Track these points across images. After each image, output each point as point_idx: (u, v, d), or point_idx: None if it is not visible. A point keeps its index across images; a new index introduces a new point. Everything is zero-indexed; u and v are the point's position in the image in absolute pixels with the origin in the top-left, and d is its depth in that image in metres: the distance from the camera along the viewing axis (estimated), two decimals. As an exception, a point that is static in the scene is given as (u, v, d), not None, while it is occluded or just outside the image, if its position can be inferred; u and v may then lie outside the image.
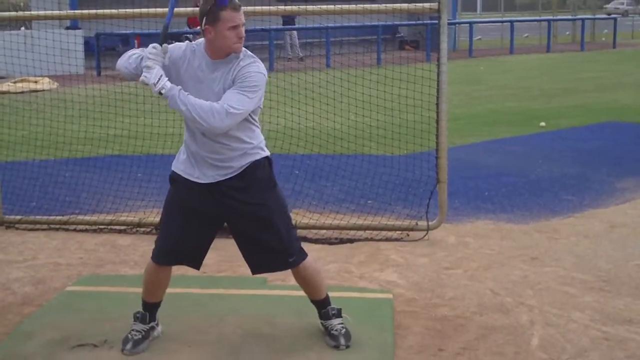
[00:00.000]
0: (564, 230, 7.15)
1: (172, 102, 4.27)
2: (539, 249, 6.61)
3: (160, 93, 4.24)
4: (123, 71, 4.47)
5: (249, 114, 4.39)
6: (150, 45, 4.32)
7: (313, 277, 4.78)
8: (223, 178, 4.47)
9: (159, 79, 4.24)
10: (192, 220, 4.53)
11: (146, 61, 4.27)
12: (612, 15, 40.33)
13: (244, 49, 4.40)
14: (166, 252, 4.61)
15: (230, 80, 4.32)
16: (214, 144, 4.41)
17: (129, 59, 4.45)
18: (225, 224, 4.68)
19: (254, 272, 4.77)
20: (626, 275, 5.95)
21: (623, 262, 6.26)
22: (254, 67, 4.34)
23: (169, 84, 4.26)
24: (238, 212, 4.53)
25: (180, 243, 4.58)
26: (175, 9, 7.44)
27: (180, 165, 4.57)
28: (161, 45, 4.31)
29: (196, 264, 4.73)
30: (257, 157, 4.51)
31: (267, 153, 4.58)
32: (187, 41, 4.57)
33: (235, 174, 4.47)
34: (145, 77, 4.24)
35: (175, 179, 4.60)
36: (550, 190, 8.70)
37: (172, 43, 4.44)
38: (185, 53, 4.44)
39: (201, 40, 4.47)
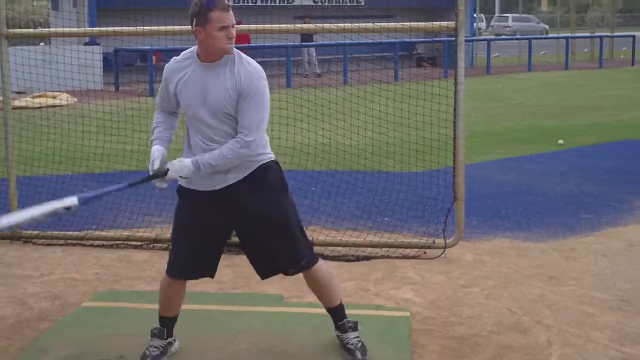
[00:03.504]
0: (582, 249, 7.09)
1: (202, 173, 4.39)
2: (557, 268, 6.56)
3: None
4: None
5: None
6: (156, 184, 4.46)
7: (325, 281, 4.76)
8: (232, 182, 4.49)
9: (179, 177, 4.41)
10: (203, 232, 4.55)
11: (165, 183, 4.46)
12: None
13: (236, 50, 4.44)
14: (179, 266, 4.63)
15: (234, 90, 4.34)
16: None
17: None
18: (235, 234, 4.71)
19: (264, 276, 4.76)
20: (645, 295, 5.90)
21: (642, 281, 6.21)
22: (253, 74, 4.38)
23: (188, 168, 4.37)
24: (250, 214, 4.53)
25: (193, 257, 4.60)
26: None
27: (186, 179, 4.57)
28: (150, 178, 4.45)
29: (210, 273, 4.74)
30: (265, 159, 4.55)
31: (273, 156, 4.62)
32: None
33: (244, 175, 4.49)
34: (179, 179, 4.45)
35: (182, 192, 4.63)
36: (568, 208, 8.65)
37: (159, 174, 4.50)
38: (175, 66, 4.53)
39: (192, 48, 4.52)
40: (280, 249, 4.61)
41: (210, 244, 4.61)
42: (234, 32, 4.36)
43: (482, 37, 37.28)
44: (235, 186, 4.50)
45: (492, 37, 39.85)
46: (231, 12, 4.35)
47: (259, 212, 4.53)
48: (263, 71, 4.45)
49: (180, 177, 4.42)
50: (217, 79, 4.38)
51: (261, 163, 4.53)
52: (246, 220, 4.57)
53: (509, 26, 55.26)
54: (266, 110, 4.43)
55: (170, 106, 4.63)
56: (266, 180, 4.54)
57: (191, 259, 4.61)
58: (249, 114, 4.34)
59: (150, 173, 4.45)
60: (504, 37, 45.64)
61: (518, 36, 40.67)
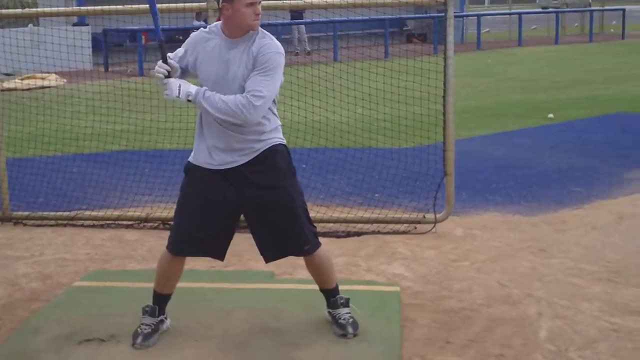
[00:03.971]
0: (572, 222, 7.12)
1: (198, 106, 4.36)
2: (547, 241, 6.59)
3: (188, 100, 4.33)
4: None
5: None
6: (157, 65, 4.39)
7: (325, 266, 4.79)
8: (241, 163, 4.47)
9: (179, 89, 4.33)
10: (209, 209, 4.52)
11: (161, 80, 4.36)
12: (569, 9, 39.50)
13: (260, 27, 4.43)
14: (183, 243, 4.61)
15: (250, 62, 4.34)
16: (228, 131, 4.42)
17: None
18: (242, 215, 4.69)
19: (267, 259, 4.75)
20: (635, 266, 5.93)
21: (632, 253, 6.24)
22: (272, 47, 4.38)
23: (192, 89, 4.33)
24: (257, 197, 4.51)
25: (197, 233, 4.58)
26: (182, 4, 7.46)
27: (196, 155, 4.58)
28: (164, 61, 4.38)
29: (218, 254, 4.73)
30: (274, 142, 4.53)
31: (283, 140, 4.61)
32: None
33: (253, 157, 4.48)
34: (167, 94, 4.35)
35: (191, 169, 4.60)
36: (558, 181, 8.67)
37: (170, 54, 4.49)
38: (202, 35, 4.52)
39: (216, 23, 4.53)
40: (285, 233, 4.61)
41: (214, 222, 4.56)
42: (260, 8, 4.36)
43: (471, 12, 37.13)
44: (243, 167, 4.48)
45: (482, 12, 39.68)
46: None
47: (265, 195, 4.51)
48: (282, 48, 4.44)
49: (178, 94, 4.31)
50: (239, 54, 4.38)
51: (270, 145, 4.51)
52: (252, 202, 4.55)
53: None
54: (276, 83, 4.38)
55: (182, 63, 4.55)
56: (274, 163, 4.53)
57: (194, 235, 4.59)
58: (258, 79, 4.31)
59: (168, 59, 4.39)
60: (493, 12, 45.53)
61: (507, 11, 40.49)
